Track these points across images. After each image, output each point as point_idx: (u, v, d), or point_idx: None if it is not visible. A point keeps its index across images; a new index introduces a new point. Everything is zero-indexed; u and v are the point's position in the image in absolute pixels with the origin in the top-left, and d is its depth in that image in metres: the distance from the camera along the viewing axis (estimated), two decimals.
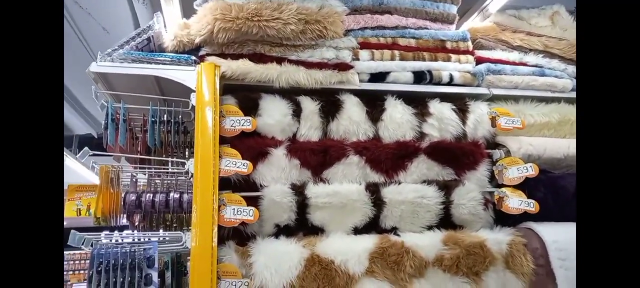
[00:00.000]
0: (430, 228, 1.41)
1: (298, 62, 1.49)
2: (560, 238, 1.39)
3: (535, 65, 1.69)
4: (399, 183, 1.41)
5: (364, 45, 1.59)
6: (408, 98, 1.55)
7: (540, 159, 1.52)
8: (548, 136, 1.62)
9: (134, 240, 1.31)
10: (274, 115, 1.42)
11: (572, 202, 1.47)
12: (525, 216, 1.45)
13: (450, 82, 1.61)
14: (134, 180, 1.43)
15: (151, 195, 1.31)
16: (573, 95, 1.69)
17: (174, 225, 1.52)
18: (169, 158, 1.44)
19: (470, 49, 1.69)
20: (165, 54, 1.49)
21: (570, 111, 1.64)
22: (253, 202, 1.30)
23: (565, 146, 1.55)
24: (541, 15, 1.79)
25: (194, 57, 1.46)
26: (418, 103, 1.55)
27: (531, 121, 1.59)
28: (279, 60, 1.48)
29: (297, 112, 1.45)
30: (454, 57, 1.64)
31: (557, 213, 1.47)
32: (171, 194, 1.33)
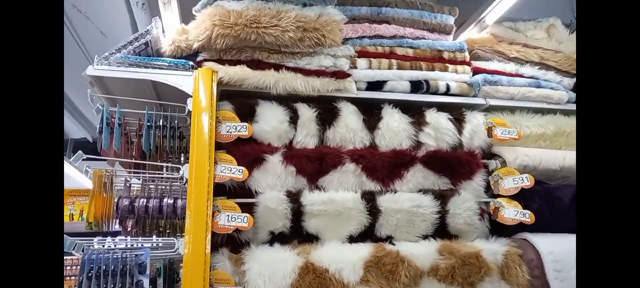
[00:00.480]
0: (425, 237, 1.41)
1: (296, 69, 1.49)
2: (556, 249, 1.39)
3: (532, 77, 1.70)
4: (395, 192, 1.41)
5: (362, 54, 1.60)
6: (405, 107, 1.56)
7: (536, 170, 1.53)
8: (544, 147, 1.62)
9: (127, 246, 1.29)
10: (270, 121, 1.42)
11: (567, 213, 1.47)
12: (521, 227, 1.45)
13: (447, 92, 1.61)
14: (128, 185, 1.42)
15: (145, 200, 1.30)
16: (568, 107, 1.70)
17: (167, 231, 1.50)
18: (164, 164, 1.43)
19: (467, 59, 1.70)
20: (162, 58, 1.49)
21: (566, 123, 1.65)
22: (248, 208, 1.29)
23: (560, 157, 1.55)
24: (537, 27, 1.81)
25: (191, 63, 1.45)
26: (415, 112, 1.55)
27: (527, 132, 1.60)
28: (277, 67, 1.48)
29: (293, 119, 1.45)
30: (451, 67, 1.65)
31: (553, 224, 1.47)
32: (165, 200, 1.31)
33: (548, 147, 1.62)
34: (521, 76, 1.70)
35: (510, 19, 1.80)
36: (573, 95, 1.73)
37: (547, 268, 1.35)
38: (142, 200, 1.31)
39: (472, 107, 1.64)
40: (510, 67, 1.71)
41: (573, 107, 1.71)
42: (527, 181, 1.46)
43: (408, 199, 1.39)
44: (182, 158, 1.53)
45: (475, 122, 1.57)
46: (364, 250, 1.31)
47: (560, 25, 1.83)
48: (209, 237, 1.17)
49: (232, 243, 1.31)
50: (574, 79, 1.74)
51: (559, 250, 1.38)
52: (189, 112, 1.34)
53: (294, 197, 1.33)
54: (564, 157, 1.56)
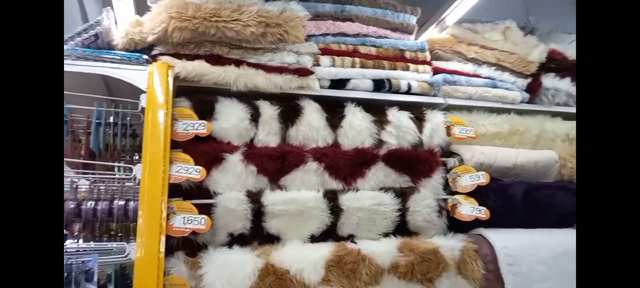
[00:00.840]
0: (386, 235, 1.42)
1: (257, 66, 1.46)
2: (509, 244, 1.45)
3: (488, 77, 1.77)
4: (357, 191, 1.41)
5: (325, 52, 1.59)
6: (367, 105, 1.56)
7: (491, 168, 1.59)
8: (499, 146, 1.69)
9: (77, 251, 1.21)
10: (230, 119, 1.38)
11: (520, 209, 1.55)
12: (478, 222, 1.50)
13: (408, 91, 1.64)
14: (74, 186, 1.33)
15: (93, 203, 1.22)
16: (522, 107, 1.78)
17: (119, 234, 1.42)
18: (115, 164, 1.35)
19: (428, 59, 1.73)
20: (114, 51, 1.40)
21: (519, 122, 1.73)
22: (206, 209, 1.25)
23: (514, 155, 1.62)
24: (494, 29, 1.88)
25: (146, 56, 1.38)
26: (377, 111, 1.56)
27: (483, 131, 1.66)
28: (238, 63, 1.44)
29: (255, 117, 1.42)
30: (412, 66, 1.68)
31: (507, 219, 1.53)
32: (115, 202, 1.24)
33: (503, 145, 1.69)
34: (478, 76, 1.76)
35: (469, 20, 1.86)
36: (526, 95, 1.81)
37: (501, 262, 1.40)
38: (90, 202, 1.23)
39: (432, 106, 1.67)
40: (469, 67, 1.76)
41: (526, 107, 1.79)
42: (483, 178, 1.51)
43: (369, 197, 1.39)
44: (137, 158, 1.45)
45: (435, 121, 1.61)
46: (325, 249, 1.31)
47: (516, 27, 1.90)
48: (163, 239, 1.12)
49: (188, 246, 1.26)
50: (527, 80, 1.82)
51: (512, 244, 1.44)
52: (143, 108, 1.27)
53: (254, 197, 1.30)
54: (517, 155, 1.63)
